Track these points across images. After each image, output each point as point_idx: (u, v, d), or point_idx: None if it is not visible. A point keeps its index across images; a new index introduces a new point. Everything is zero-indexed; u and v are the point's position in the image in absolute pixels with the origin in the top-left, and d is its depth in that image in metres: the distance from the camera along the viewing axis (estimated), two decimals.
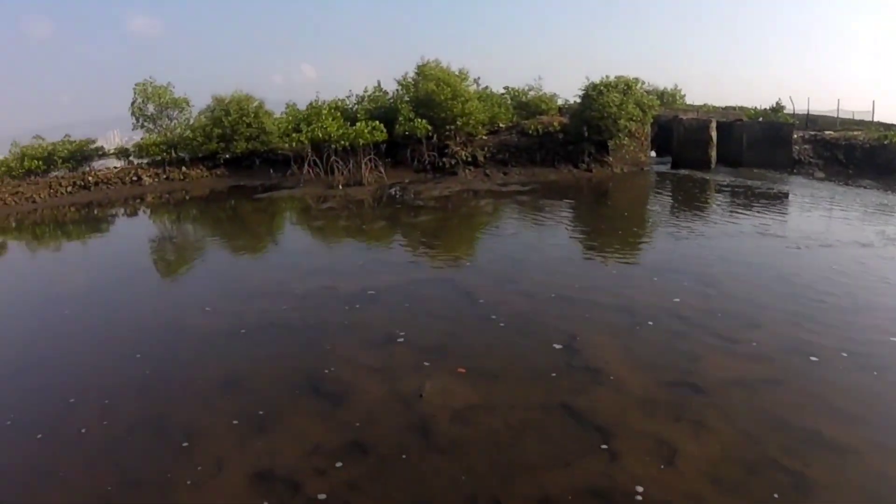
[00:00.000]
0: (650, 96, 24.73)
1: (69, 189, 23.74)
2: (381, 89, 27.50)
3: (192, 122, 27.07)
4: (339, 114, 24.94)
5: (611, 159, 23.98)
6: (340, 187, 22.42)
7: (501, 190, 20.78)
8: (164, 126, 26.69)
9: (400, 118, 24.46)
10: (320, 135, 23.12)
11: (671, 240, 13.10)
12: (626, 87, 23.90)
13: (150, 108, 26.13)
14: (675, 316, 8.10)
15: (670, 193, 20.29)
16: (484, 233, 14.61)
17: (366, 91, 27.50)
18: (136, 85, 25.53)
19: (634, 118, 23.47)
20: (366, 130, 23.19)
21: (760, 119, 26.60)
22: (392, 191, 21.53)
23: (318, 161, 24.15)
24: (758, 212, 16.04)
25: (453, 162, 24.12)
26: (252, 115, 26.28)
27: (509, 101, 28.76)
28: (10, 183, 23.81)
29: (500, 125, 26.60)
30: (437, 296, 9.42)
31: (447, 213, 17.27)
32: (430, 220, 16.22)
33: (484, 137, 25.46)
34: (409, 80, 26.27)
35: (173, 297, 10.97)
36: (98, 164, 27.11)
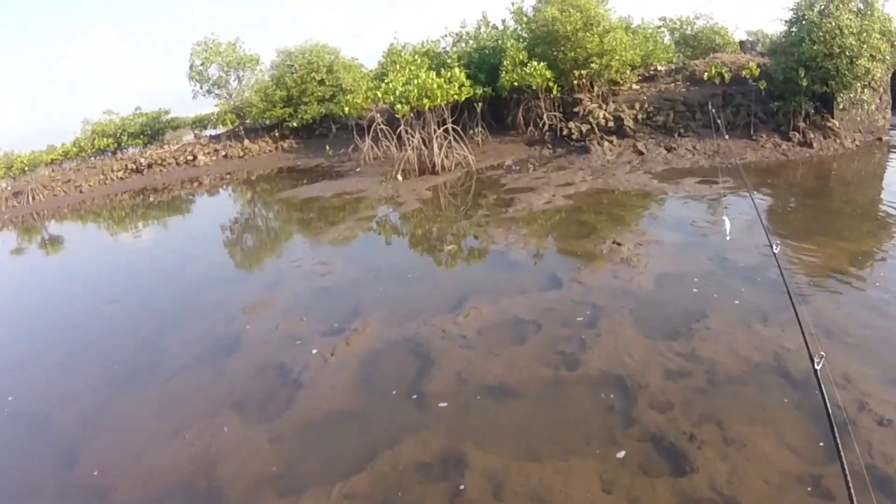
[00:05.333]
0: None
1: (120, 175, 20.54)
2: (487, 22, 19.38)
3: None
4: (424, 61, 17.53)
5: (837, 124, 13.46)
6: (400, 178, 14.92)
7: (665, 189, 11.13)
8: (231, 91, 22.06)
9: (506, 63, 16.53)
10: (380, 95, 16.08)
11: None
12: (863, 3, 13.07)
13: (214, 71, 21.49)
14: None
15: None
16: None
17: (463, 27, 19.52)
18: (193, 45, 21.02)
19: (879, 56, 12.71)
20: (435, 85, 14.62)
21: None
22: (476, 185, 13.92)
23: (387, 132, 17.31)
24: None
25: (585, 129, 15.57)
26: (324, 71, 20.38)
27: (667, 38, 18.89)
28: (60, 171, 21.45)
29: (659, 68, 17.07)
30: None
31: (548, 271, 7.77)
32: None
33: (635, 87, 16.36)
34: (526, 8, 17.88)
35: None
36: (171, 137, 23.90)
